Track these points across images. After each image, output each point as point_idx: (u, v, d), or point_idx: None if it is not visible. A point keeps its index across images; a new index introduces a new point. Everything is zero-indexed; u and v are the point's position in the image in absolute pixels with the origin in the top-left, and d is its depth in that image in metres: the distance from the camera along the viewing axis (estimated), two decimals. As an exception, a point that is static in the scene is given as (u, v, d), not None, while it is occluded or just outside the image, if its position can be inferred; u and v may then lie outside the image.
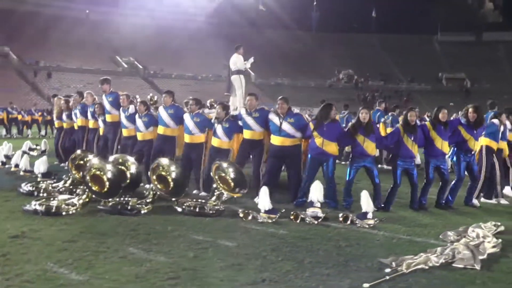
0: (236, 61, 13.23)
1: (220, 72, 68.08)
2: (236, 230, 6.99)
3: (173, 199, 8.44)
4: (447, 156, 9.35)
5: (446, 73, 69.47)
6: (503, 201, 10.00)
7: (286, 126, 8.93)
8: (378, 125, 14.35)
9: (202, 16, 72.52)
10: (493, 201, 10.00)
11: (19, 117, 26.28)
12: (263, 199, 7.79)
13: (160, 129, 10.21)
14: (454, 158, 9.37)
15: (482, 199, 9.96)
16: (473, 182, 9.46)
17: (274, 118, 9.08)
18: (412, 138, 8.76)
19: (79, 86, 51.05)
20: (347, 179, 8.81)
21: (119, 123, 11.03)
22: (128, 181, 9.21)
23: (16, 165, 11.96)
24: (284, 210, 7.85)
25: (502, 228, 7.57)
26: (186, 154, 9.90)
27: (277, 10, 72.67)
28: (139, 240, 6.36)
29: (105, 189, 8.38)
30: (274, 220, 7.51)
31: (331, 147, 8.78)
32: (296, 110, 9.61)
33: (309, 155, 8.95)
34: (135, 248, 6.03)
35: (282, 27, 74.95)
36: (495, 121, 9.96)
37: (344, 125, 16.05)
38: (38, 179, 10.40)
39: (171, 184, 8.66)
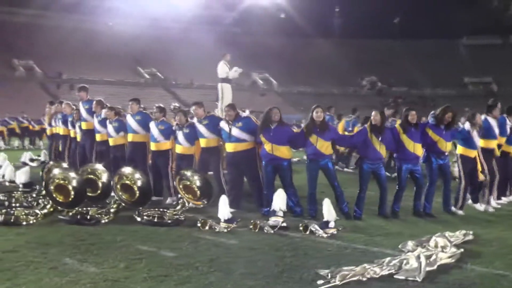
0: (221, 69, 13.12)
1: (242, 81, 68.11)
2: (185, 240, 6.80)
3: (140, 207, 8.33)
4: (420, 160, 9.01)
5: (472, 77, 68.16)
6: (490, 209, 9.56)
7: (235, 131, 8.77)
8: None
9: (223, 25, 72.79)
10: (481, 207, 9.57)
11: (30, 127, 26.59)
12: (222, 208, 7.61)
13: (129, 137, 10.21)
14: (426, 161, 9.03)
15: (469, 202, 9.55)
16: (446, 186, 9.09)
17: (224, 126, 8.96)
18: (380, 139, 8.42)
19: (101, 98, 51.69)
20: (308, 186, 8.52)
21: (94, 131, 11.05)
22: (99, 191, 9.18)
23: (3, 176, 12.05)
24: (239, 219, 7.65)
25: (470, 237, 7.22)
26: (153, 162, 9.86)
27: (299, 18, 72.38)
28: (80, 251, 6.25)
29: (70, 199, 8.33)
30: (230, 229, 7.31)
31: (282, 151, 8.50)
32: (244, 114, 9.44)
33: (263, 162, 8.73)
34: (72, 258, 5.92)
35: (304, 35, 74.64)
36: (466, 126, 9.34)
37: (350, 129, 15.93)
38: (20, 189, 10.44)
39: (137, 193, 8.56)
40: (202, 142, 9.35)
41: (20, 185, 10.78)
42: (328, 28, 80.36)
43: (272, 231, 7.25)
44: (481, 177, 9.48)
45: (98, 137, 11.03)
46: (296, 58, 71.69)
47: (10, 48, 57.45)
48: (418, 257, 5.86)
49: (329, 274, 5.30)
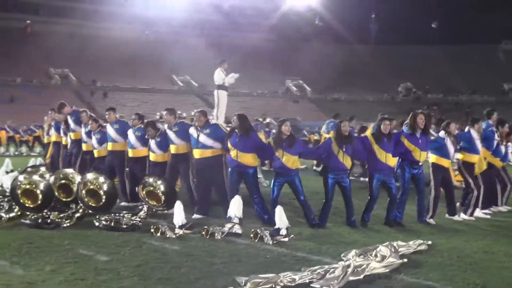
0: (217, 76, 13.19)
1: (276, 88, 68.37)
2: (130, 245, 6.88)
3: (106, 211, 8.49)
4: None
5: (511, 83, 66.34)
6: (465, 217, 9.37)
7: (202, 138, 8.85)
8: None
9: (258, 33, 73.13)
10: (459, 217, 9.36)
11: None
12: (177, 213, 7.68)
13: (109, 146, 10.39)
14: (399, 170, 8.86)
15: (446, 215, 9.36)
16: (421, 196, 8.89)
17: (193, 132, 9.03)
18: (344, 150, 8.29)
19: (134, 105, 52.80)
20: (272, 196, 8.43)
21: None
22: (73, 195, 9.35)
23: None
24: (190, 224, 7.70)
25: (424, 247, 7.05)
26: (130, 168, 10.00)
27: (335, 24, 72.03)
28: (21, 253, 6.41)
29: (39, 203, 8.56)
30: (178, 235, 7.35)
31: (247, 159, 8.48)
32: (213, 121, 9.49)
33: (229, 169, 8.76)
34: (7, 261, 6.10)
35: (340, 41, 74.23)
36: (441, 134, 9.12)
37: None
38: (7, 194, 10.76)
39: (103, 197, 8.70)
40: (172, 149, 9.45)
41: (7, 189, 11.06)
42: (364, 34, 79.74)
43: (219, 238, 7.26)
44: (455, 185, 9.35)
45: (84, 147, 11.29)
46: (330, 64, 71.14)
47: (48, 57, 59.24)
48: (346, 266, 5.77)
49: (243, 281, 5.29)
